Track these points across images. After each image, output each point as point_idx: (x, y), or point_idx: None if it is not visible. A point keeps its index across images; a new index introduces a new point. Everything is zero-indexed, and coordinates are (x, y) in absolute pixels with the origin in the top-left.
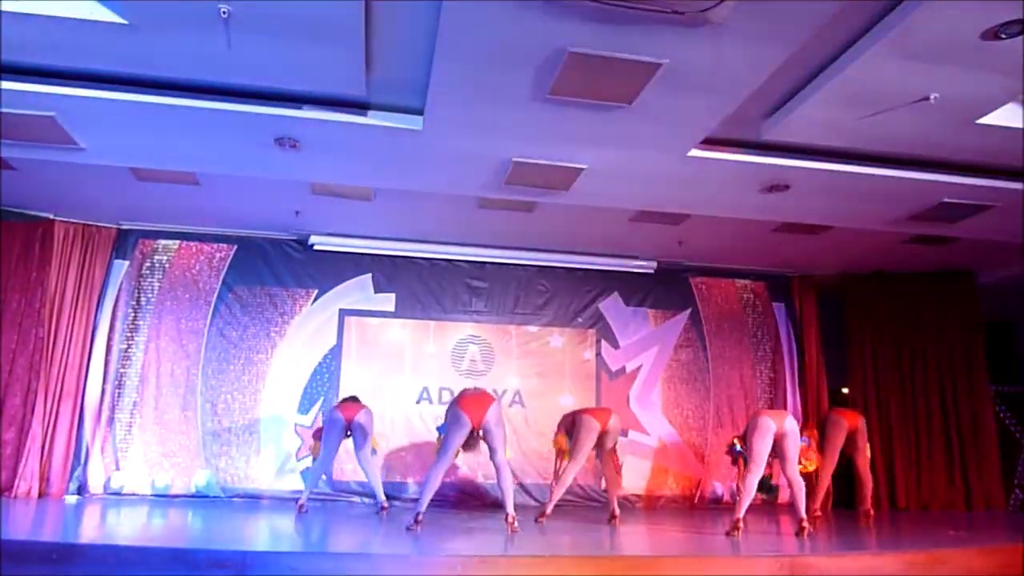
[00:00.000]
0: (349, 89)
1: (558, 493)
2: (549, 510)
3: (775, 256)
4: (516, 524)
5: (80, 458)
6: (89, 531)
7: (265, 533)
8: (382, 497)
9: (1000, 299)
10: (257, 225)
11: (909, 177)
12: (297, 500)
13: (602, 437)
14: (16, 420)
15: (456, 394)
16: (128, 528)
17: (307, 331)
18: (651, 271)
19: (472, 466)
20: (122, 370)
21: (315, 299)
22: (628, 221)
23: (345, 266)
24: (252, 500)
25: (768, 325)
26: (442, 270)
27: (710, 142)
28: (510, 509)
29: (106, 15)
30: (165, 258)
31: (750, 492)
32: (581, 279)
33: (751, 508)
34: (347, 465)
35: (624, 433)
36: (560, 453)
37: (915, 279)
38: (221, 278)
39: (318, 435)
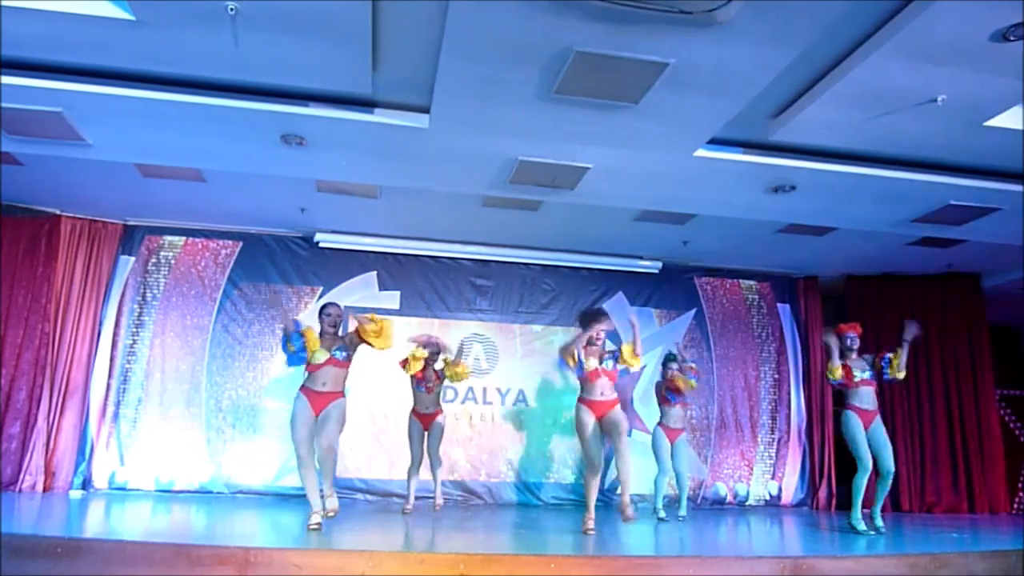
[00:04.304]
0: (356, 87)
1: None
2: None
3: (780, 257)
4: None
5: (85, 453)
6: (93, 526)
7: (269, 529)
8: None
9: (1006, 302)
10: (262, 222)
11: (916, 179)
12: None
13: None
14: (21, 415)
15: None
16: (132, 523)
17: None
18: (656, 271)
19: (476, 465)
20: (127, 366)
21: (320, 296)
22: (633, 221)
23: (350, 263)
24: (256, 496)
25: (773, 326)
26: (447, 268)
27: (716, 142)
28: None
29: (114, 11)
30: (171, 254)
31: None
32: (586, 278)
33: (755, 509)
34: (350, 462)
35: (628, 432)
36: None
37: (920, 281)
38: (226, 275)
39: None
